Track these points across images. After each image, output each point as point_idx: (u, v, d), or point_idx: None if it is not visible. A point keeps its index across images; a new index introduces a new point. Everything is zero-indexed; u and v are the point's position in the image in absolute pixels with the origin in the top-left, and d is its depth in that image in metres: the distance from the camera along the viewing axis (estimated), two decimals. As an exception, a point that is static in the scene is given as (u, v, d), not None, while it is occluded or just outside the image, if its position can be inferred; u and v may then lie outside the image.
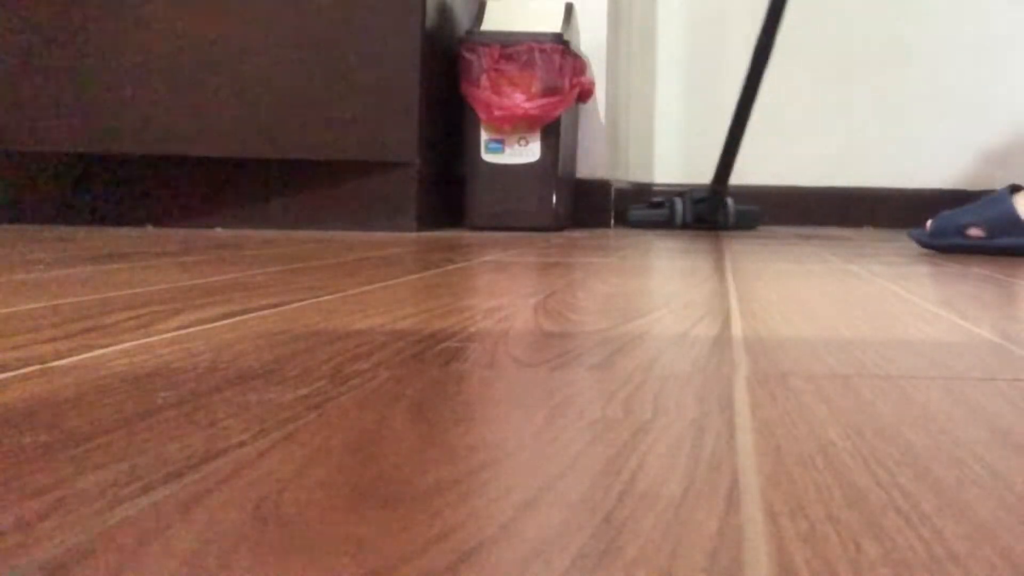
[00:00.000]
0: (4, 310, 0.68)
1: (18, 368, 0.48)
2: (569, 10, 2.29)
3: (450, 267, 1.13)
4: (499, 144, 2.18)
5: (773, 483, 0.31)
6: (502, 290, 0.90)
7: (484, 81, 2.12)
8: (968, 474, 0.33)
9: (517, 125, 2.14)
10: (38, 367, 0.48)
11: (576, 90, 2.18)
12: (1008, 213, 1.56)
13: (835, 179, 2.86)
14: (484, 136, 2.18)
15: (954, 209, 1.64)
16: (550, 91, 2.13)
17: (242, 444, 0.35)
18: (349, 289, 0.86)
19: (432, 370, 0.50)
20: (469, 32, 2.18)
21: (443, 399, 0.43)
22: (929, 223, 1.66)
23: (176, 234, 1.77)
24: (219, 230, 1.94)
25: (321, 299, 0.78)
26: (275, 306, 0.73)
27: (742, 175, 2.91)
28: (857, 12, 2.83)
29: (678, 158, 2.96)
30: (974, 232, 1.58)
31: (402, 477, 0.31)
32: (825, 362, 0.55)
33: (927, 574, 0.24)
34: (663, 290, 0.96)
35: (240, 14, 1.96)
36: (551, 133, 2.17)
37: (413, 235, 1.89)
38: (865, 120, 2.85)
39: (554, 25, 2.23)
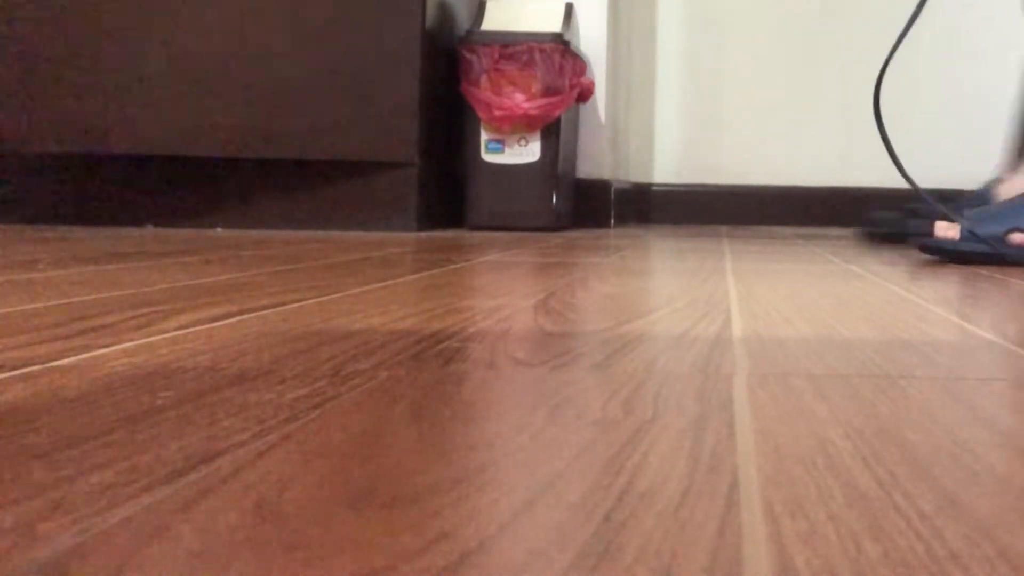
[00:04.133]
0: (4, 310, 0.68)
1: (18, 368, 0.48)
2: (569, 10, 2.29)
3: (450, 267, 1.13)
4: (499, 144, 2.18)
5: (773, 483, 0.31)
6: (502, 290, 0.90)
7: (484, 81, 2.13)
8: (968, 474, 0.33)
9: (517, 125, 2.14)
10: (38, 367, 0.48)
11: (576, 90, 2.18)
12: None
13: (834, 179, 2.86)
14: (484, 136, 2.18)
15: (991, 208, 1.44)
16: (550, 91, 2.13)
17: (242, 444, 0.35)
18: (349, 289, 0.86)
19: (432, 370, 0.50)
20: (469, 32, 2.18)
21: (443, 399, 0.43)
22: (951, 228, 1.42)
23: (176, 234, 1.77)
24: (219, 230, 1.94)
25: (321, 299, 0.78)
26: (275, 306, 0.73)
27: (743, 175, 2.91)
28: (859, 12, 2.83)
29: (678, 158, 2.96)
30: (1017, 238, 1.38)
31: (402, 477, 0.31)
32: (825, 362, 0.55)
33: (927, 574, 0.24)
34: (663, 290, 0.96)
35: (239, 14, 1.96)
36: (551, 133, 2.17)
37: (413, 235, 1.89)
38: (866, 120, 2.85)
39: (554, 25, 2.23)
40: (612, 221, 2.50)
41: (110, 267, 1.04)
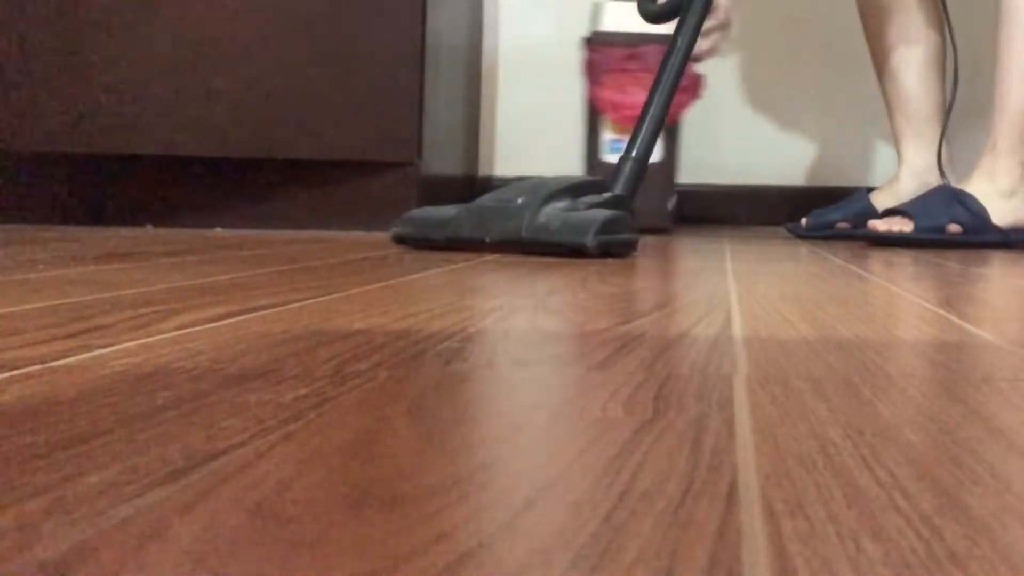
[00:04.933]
0: (4, 310, 0.68)
1: (18, 368, 0.48)
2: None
3: (450, 267, 1.13)
4: (620, 144, 2.22)
5: (773, 483, 0.31)
6: (502, 290, 0.90)
7: (608, 81, 2.15)
8: (968, 474, 0.33)
9: None
10: (38, 367, 0.48)
11: (696, 88, 2.20)
12: (867, 207, 2.06)
13: (837, 179, 2.86)
14: (606, 137, 2.20)
15: (825, 207, 2.17)
16: None
17: (242, 444, 0.35)
18: (349, 289, 0.86)
19: (432, 370, 0.50)
20: (594, 34, 2.22)
21: (443, 399, 0.43)
22: (804, 220, 2.16)
23: (176, 234, 1.77)
24: (219, 230, 1.94)
25: (321, 299, 0.78)
26: (275, 306, 0.73)
27: (743, 175, 2.91)
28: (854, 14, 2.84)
29: (678, 158, 2.95)
30: (841, 225, 2.10)
31: (402, 477, 0.31)
32: (825, 362, 0.55)
33: (927, 574, 0.24)
34: (663, 290, 0.96)
35: (240, 13, 1.96)
36: (670, 134, 2.21)
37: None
38: (865, 120, 2.85)
39: (672, 25, 2.26)
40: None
41: (110, 267, 1.04)
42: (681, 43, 1.63)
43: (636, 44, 2.16)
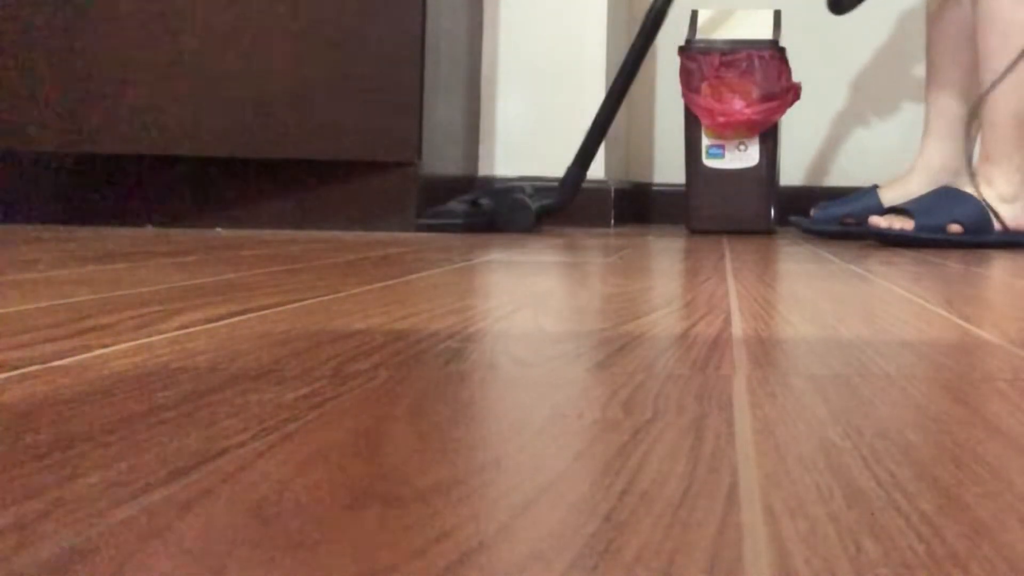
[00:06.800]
0: (4, 310, 0.68)
1: (18, 368, 0.48)
2: (778, 17, 2.33)
3: (450, 267, 1.13)
4: (719, 149, 2.26)
5: (773, 483, 0.31)
6: (502, 290, 0.90)
7: (705, 88, 2.19)
8: (968, 474, 0.33)
9: (739, 130, 2.21)
10: (38, 367, 0.48)
11: (791, 94, 2.23)
12: (875, 203, 2.04)
13: (834, 179, 2.86)
14: (705, 141, 2.26)
15: (832, 201, 2.14)
16: (768, 96, 2.20)
17: (242, 444, 0.35)
18: (349, 289, 0.86)
19: (432, 370, 0.50)
20: (689, 41, 2.25)
21: (443, 399, 0.43)
22: (813, 211, 2.14)
23: (176, 234, 1.77)
24: (219, 230, 1.94)
25: (321, 299, 0.78)
26: (275, 306, 0.73)
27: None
28: (857, 11, 2.83)
29: (678, 158, 2.95)
30: (848, 220, 2.08)
31: (402, 477, 0.31)
32: (825, 362, 0.55)
33: (927, 574, 0.24)
34: (663, 290, 0.96)
35: (239, 13, 1.96)
36: (768, 138, 2.25)
37: (413, 235, 1.89)
38: (861, 119, 2.85)
39: (766, 32, 2.27)
40: (612, 221, 2.50)
41: (110, 267, 1.04)
42: (628, 59, 1.79)
43: (730, 51, 2.21)
